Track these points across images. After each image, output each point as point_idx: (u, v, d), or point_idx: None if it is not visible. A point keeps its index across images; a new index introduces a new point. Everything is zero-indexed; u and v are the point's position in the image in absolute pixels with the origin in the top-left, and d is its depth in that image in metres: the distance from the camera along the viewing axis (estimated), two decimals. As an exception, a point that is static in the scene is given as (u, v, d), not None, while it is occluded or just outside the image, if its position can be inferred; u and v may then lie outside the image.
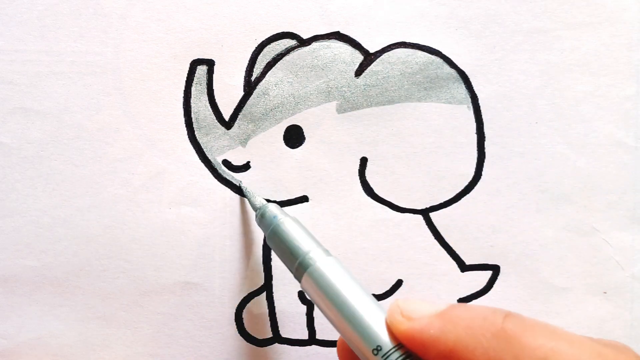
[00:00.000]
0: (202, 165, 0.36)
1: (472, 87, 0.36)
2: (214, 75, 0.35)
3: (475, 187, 0.36)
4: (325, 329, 0.36)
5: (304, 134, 0.36)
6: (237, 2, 0.35)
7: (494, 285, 0.36)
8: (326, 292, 0.27)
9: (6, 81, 0.35)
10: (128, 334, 0.36)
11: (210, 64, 0.35)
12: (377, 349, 0.26)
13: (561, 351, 0.22)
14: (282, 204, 0.36)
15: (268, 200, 0.33)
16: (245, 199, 0.35)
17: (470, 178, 0.36)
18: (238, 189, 0.36)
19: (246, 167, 0.36)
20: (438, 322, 0.24)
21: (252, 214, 0.36)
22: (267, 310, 0.36)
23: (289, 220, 0.31)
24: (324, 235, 0.36)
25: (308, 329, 0.36)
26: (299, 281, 0.29)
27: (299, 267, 0.29)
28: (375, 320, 0.26)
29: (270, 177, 0.36)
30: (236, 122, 0.36)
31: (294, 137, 0.36)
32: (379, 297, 0.36)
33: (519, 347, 0.22)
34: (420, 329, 0.25)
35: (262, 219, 0.32)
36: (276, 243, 0.31)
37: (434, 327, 0.24)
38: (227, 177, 0.36)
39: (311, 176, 0.36)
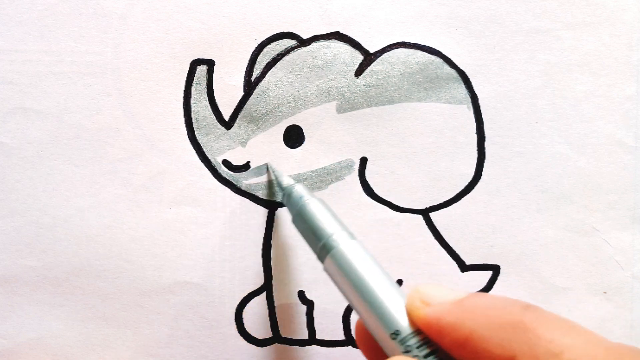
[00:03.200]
0: (202, 165, 0.36)
1: (472, 87, 0.36)
2: (214, 75, 0.35)
3: (475, 187, 0.36)
4: (325, 329, 0.36)
5: (304, 134, 0.36)
6: (237, 2, 0.35)
7: (494, 286, 0.36)
8: (347, 275, 0.27)
9: (6, 81, 0.35)
10: (128, 334, 0.36)
11: (210, 64, 0.35)
12: (396, 334, 0.25)
13: (577, 348, 0.21)
14: (282, 204, 0.36)
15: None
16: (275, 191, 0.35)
17: (470, 178, 0.36)
18: (238, 189, 0.36)
19: (246, 167, 0.36)
20: (455, 309, 0.24)
21: (252, 215, 0.36)
22: (267, 310, 0.36)
23: (315, 202, 0.30)
24: (324, 235, 0.36)
25: (308, 329, 0.36)
26: (322, 263, 0.29)
27: (322, 248, 0.29)
28: (395, 304, 0.26)
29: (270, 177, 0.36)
30: (236, 122, 0.36)
31: (293, 137, 0.36)
32: (379, 297, 0.36)
33: (535, 339, 0.22)
34: (437, 316, 0.24)
35: (289, 199, 0.32)
36: (301, 224, 0.30)
37: (451, 315, 0.24)
38: (227, 177, 0.36)
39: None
